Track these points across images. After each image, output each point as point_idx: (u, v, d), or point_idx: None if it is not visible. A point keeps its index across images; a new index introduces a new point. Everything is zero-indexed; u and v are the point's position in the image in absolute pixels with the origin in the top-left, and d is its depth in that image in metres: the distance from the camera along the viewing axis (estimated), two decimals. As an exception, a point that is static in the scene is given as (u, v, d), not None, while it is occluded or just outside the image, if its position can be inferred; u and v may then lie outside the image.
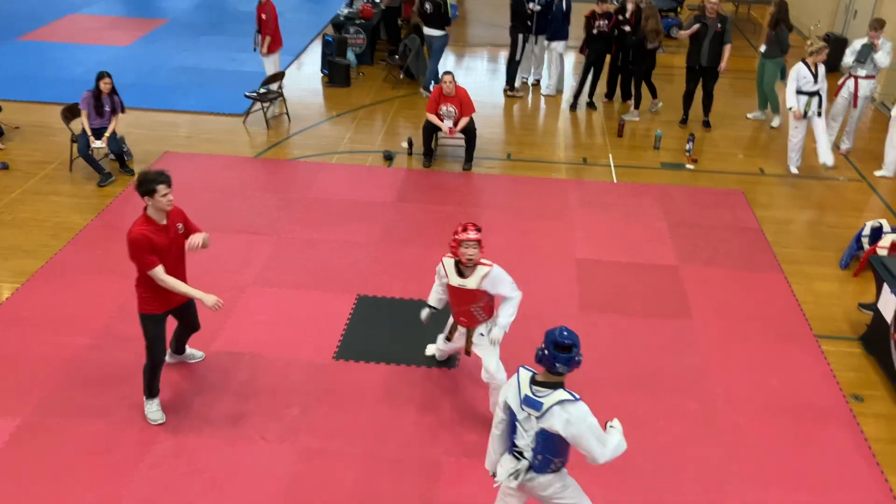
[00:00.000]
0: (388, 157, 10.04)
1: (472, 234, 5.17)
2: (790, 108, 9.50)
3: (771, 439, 5.71)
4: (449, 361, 6.31)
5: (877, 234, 7.68)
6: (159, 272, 5.09)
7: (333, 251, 7.88)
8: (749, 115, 11.76)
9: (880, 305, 6.53)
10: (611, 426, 4.14)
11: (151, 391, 5.60)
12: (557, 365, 3.86)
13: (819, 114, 9.50)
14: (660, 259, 7.92)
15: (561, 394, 3.88)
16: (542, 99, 12.56)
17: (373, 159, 10.05)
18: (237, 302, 6.97)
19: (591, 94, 12.00)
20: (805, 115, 9.49)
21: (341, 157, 10.09)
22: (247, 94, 11.02)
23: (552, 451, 4.02)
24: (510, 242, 8.11)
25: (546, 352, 3.87)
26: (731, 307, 7.19)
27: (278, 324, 6.75)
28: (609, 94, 12.31)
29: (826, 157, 9.62)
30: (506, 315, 5.34)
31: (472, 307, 5.39)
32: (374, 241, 8.08)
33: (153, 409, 5.62)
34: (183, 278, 5.36)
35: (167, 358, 5.81)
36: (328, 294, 7.20)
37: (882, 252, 7.43)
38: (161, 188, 5.02)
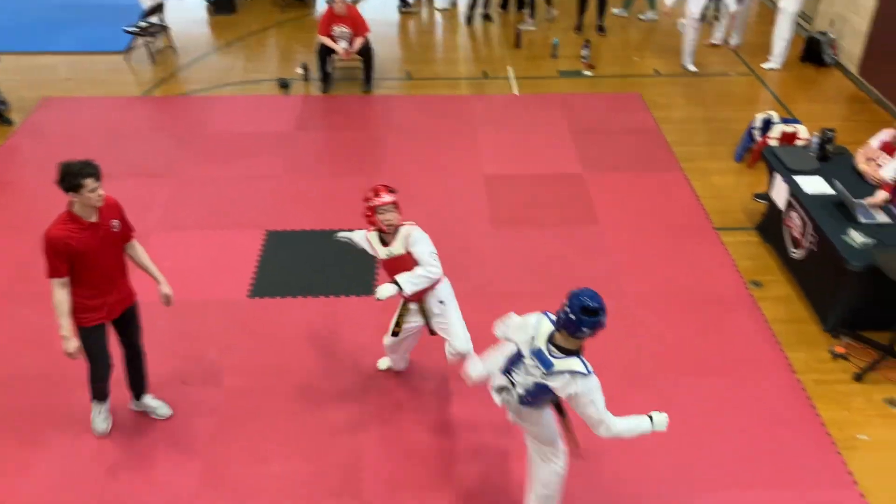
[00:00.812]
0: (284, 85, 9.73)
1: (386, 198, 4.66)
2: (669, 3, 9.86)
3: (680, 331, 6.00)
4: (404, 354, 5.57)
5: (767, 125, 7.97)
6: (57, 285, 4.43)
7: (236, 188, 7.67)
8: (641, 17, 11.85)
9: (773, 195, 6.84)
10: (650, 416, 4.02)
11: (96, 394, 5.03)
12: (583, 329, 3.71)
13: (717, 18, 9.78)
14: (565, 168, 8.04)
15: (576, 364, 3.77)
16: (438, 13, 12.32)
17: (268, 88, 9.72)
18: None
19: (486, 6, 11.84)
20: (704, 18, 9.75)
21: (234, 88, 9.72)
22: (127, 28, 10.39)
23: (544, 398, 3.97)
24: (417, 163, 8.06)
25: (572, 316, 3.71)
26: (635, 209, 7.40)
27: (188, 267, 6.58)
28: (504, 5, 12.18)
29: (688, 61, 10.20)
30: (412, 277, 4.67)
31: None
32: (277, 174, 7.90)
33: (100, 418, 5.08)
34: (121, 282, 4.72)
35: (131, 406, 5.17)
36: (236, 232, 7.04)
37: (773, 143, 7.73)
38: (89, 182, 4.28)
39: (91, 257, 4.45)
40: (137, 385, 5.16)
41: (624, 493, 4.77)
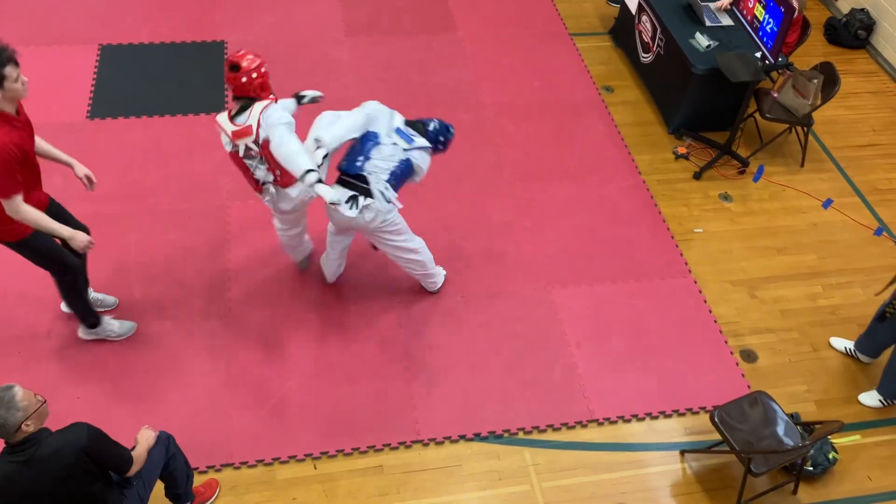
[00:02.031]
0: None
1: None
2: None
3: (536, 138, 6.15)
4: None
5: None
6: (19, 203, 3.64)
7: (60, -4, 6.90)
8: None
9: (626, -2, 6.89)
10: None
11: (87, 316, 4.41)
12: (440, 147, 4.50)
13: None
14: (420, -30, 7.70)
15: (424, 143, 4.40)
16: None
17: None
18: (-44, 68, 6.04)
19: None
20: None
21: None
22: None
23: (401, 180, 4.32)
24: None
25: (438, 131, 4.46)
26: (492, 15, 7.27)
27: (13, 88, 5.99)
28: None
29: None
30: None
31: None
32: (106, -20, 7.13)
33: (112, 327, 4.53)
34: (39, 173, 3.99)
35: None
36: (64, 47, 6.41)
37: (627, -57, 7.67)
38: (10, 71, 3.54)
39: (30, 156, 3.76)
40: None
41: (478, 291, 5.05)
